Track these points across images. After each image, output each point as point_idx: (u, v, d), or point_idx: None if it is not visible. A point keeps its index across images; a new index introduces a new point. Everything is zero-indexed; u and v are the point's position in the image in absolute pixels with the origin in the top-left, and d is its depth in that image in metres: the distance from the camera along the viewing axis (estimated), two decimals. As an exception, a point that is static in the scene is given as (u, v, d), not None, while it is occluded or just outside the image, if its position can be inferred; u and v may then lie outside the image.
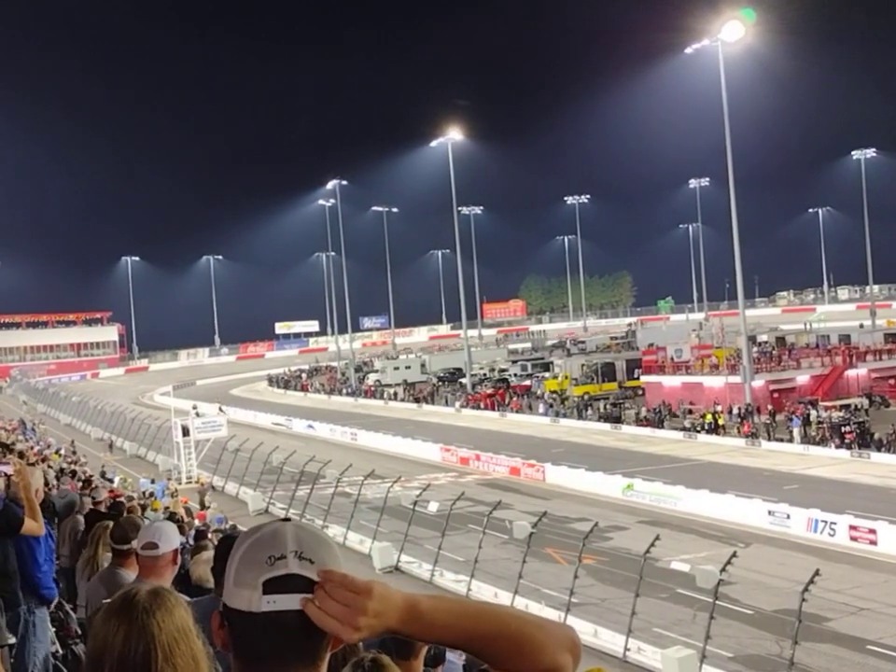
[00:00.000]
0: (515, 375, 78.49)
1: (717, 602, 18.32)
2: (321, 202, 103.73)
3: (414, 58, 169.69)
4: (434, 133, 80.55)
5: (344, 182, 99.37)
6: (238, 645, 1.55)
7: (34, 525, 5.46)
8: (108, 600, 1.95)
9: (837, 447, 40.48)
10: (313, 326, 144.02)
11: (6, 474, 7.54)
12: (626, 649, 19.00)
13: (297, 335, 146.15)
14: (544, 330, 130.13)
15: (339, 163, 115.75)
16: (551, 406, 59.80)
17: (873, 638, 18.52)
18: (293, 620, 1.50)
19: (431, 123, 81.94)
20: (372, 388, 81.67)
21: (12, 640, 4.00)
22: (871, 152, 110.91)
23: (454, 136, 78.22)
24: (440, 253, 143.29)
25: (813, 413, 44.94)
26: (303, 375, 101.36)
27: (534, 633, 1.59)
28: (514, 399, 66.05)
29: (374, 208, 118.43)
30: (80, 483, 16.39)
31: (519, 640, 1.57)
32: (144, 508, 18.26)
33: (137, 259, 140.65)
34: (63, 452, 36.71)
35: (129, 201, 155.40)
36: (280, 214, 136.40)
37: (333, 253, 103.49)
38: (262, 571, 1.50)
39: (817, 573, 17.13)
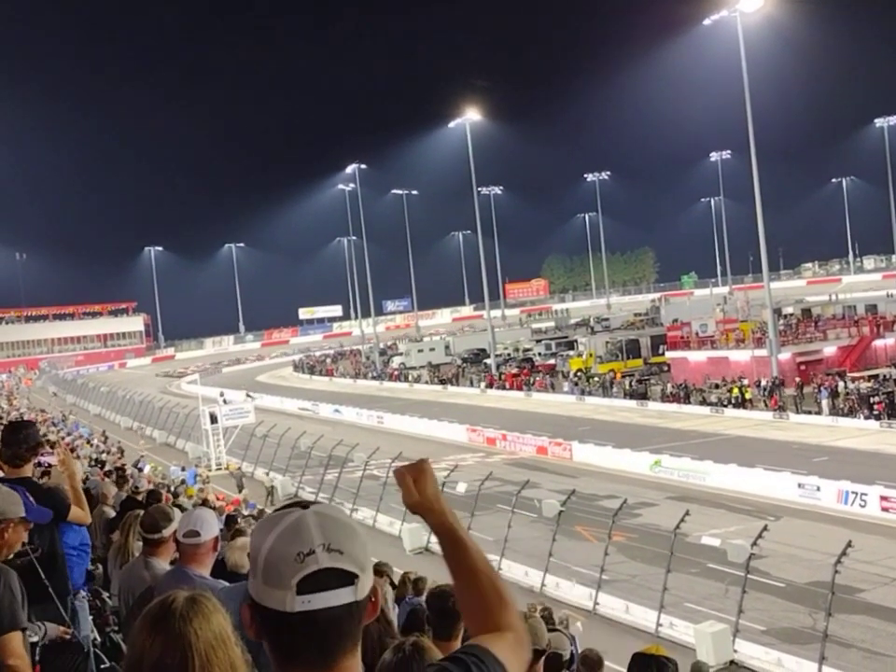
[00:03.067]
0: (540, 354, 78.38)
1: (748, 576, 18.28)
2: (341, 186, 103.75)
3: (432, 39, 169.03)
4: (452, 115, 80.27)
5: (364, 166, 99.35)
6: (273, 640, 1.56)
7: (80, 513, 5.47)
8: (144, 604, 1.96)
9: (866, 418, 40.18)
10: (336, 311, 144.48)
11: (49, 464, 7.61)
12: (658, 624, 18.99)
13: (320, 320, 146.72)
14: (567, 309, 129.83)
15: (358, 148, 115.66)
16: (576, 384, 59.70)
17: (906, 609, 18.44)
18: (330, 615, 1.51)
19: (449, 104, 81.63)
20: (397, 371, 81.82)
21: (34, 639, 4.03)
22: (894, 119, 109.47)
23: (472, 117, 77.85)
24: (460, 234, 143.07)
25: (841, 384, 44.59)
26: (328, 360, 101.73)
27: (508, 593, 1.86)
28: (539, 378, 65.98)
29: (394, 191, 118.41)
30: (112, 473, 16.56)
31: (499, 590, 1.84)
32: (176, 495, 18.46)
33: (160, 249, 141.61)
34: (95, 442, 37.14)
35: (150, 191, 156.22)
36: (300, 200, 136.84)
37: (354, 237, 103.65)
38: (294, 570, 1.49)
39: (849, 545, 17.05)
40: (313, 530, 1.51)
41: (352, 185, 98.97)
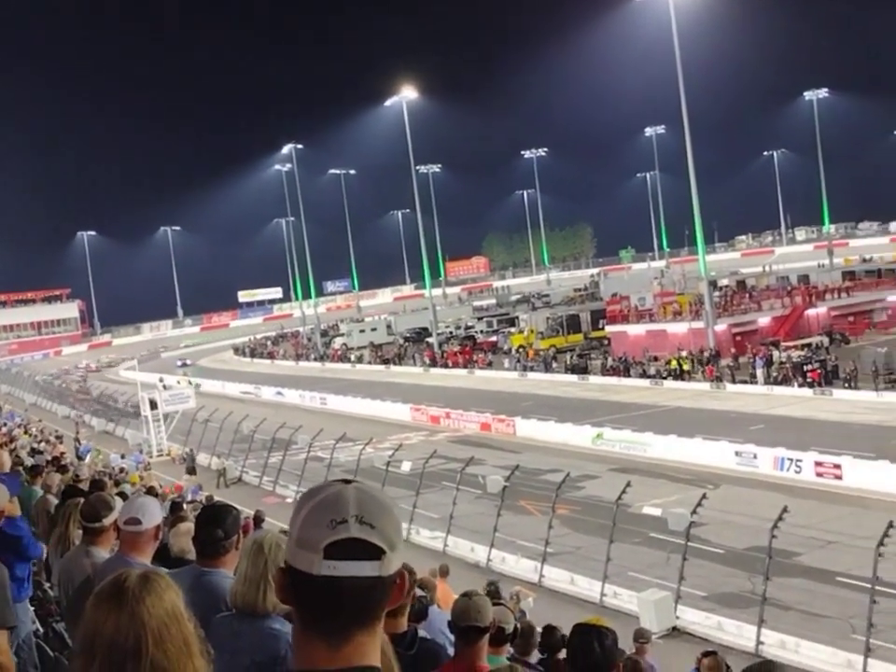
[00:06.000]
0: (481, 332, 78.75)
1: (689, 544, 18.67)
2: (278, 167, 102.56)
3: (366, 17, 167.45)
4: (388, 93, 79.78)
5: (300, 146, 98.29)
6: (298, 603, 1.60)
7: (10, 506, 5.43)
8: (84, 594, 1.96)
9: (800, 386, 41.11)
10: (276, 293, 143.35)
11: None
12: (603, 594, 19.34)
13: (261, 303, 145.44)
14: (508, 286, 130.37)
15: (294, 127, 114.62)
16: (518, 361, 60.10)
17: (841, 570, 18.95)
18: (352, 585, 1.55)
19: (385, 82, 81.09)
20: (339, 352, 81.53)
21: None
22: (823, 92, 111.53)
23: (408, 95, 77.42)
24: (400, 213, 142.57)
25: (775, 353, 45.55)
26: (269, 343, 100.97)
27: None
28: (481, 355, 66.27)
29: (332, 171, 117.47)
30: (52, 463, 16.26)
31: None
32: (118, 483, 18.22)
33: (94, 233, 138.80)
34: (33, 431, 36.44)
35: (81, 175, 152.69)
36: (236, 181, 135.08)
37: (293, 218, 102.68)
38: (324, 535, 1.55)
39: (785, 510, 17.48)
40: (350, 502, 1.57)
41: (289, 165, 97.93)
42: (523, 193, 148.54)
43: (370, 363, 74.21)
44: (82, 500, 5.89)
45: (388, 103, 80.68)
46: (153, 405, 42.66)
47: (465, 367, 63.30)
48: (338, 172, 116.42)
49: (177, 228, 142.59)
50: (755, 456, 28.88)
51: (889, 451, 27.40)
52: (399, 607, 4.31)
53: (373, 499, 1.60)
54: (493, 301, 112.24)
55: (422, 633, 4.51)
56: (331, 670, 1.56)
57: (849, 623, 16.40)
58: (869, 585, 15.54)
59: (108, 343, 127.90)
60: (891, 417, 33.88)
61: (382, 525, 1.57)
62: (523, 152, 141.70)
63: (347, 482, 1.65)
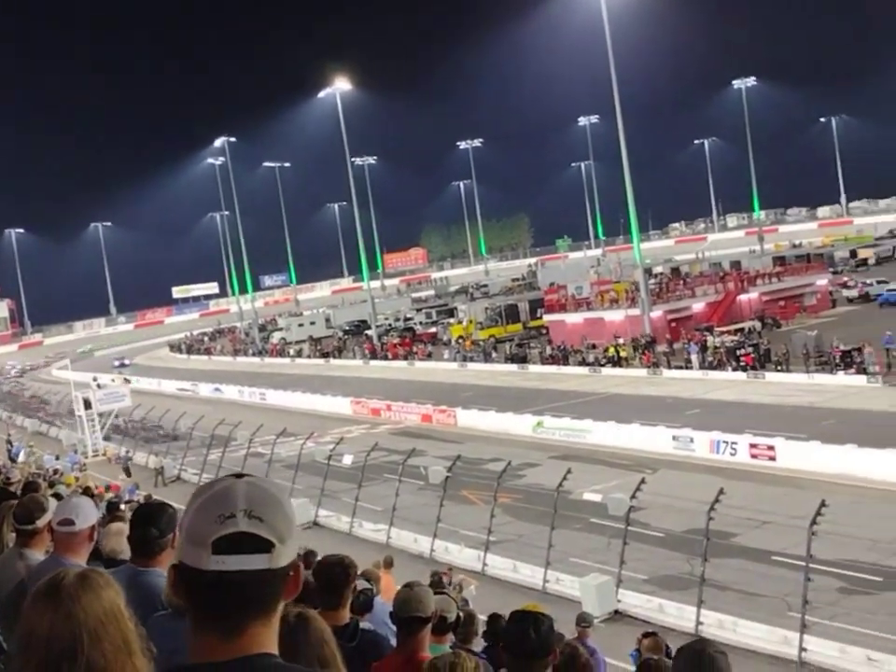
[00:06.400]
0: (421, 323, 78.78)
1: (629, 528, 18.93)
2: (210, 160, 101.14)
3: (299, 8, 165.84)
4: (322, 84, 79.17)
5: (233, 139, 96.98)
6: (189, 599, 1.60)
7: None
8: (18, 597, 1.93)
9: (734, 370, 41.91)
10: (212, 288, 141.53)
11: None
12: (545, 581, 19.53)
13: (196, 298, 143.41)
14: (446, 277, 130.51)
15: (227, 120, 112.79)
16: (457, 351, 60.24)
17: (776, 549, 19.39)
18: (242, 578, 1.56)
19: (318, 74, 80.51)
20: (278, 347, 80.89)
21: None
22: (751, 81, 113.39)
23: (341, 86, 76.93)
24: (336, 206, 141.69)
25: (709, 339, 46.36)
26: (206, 339, 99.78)
27: None
28: (421, 347, 66.31)
29: (266, 164, 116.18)
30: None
31: None
32: (52, 485, 17.84)
33: (22, 231, 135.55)
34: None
35: (8, 172, 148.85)
36: (169, 175, 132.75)
37: (227, 212, 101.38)
38: (212, 530, 1.55)
39: (721, 492, 17.82)
40: (239, 496, 1.58)
41: (222, 158, 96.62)
42: (459, 184, 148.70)
43: (309, 357, 73.78)
44: (15, 503, 5.77)
45: (322, 94, 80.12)
46: (87, 405, 41.87)
47: (405, 359, 63.28)
48: (272, 165, 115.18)
49: (108, 224, 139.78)
50: (692, 440, 29.39)
51: (820, 432, 28.10)
52: (340, 599, 4.31)
53: (264, 493, 1.61)
54: (432, 292, 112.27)
55: (364, 625, 4.51)
56: (225, 661, 1.57)
57: (785, 601, 16.79)
58: (803, 563, 15.92)
59: (39, 343, 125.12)
60: (822, 399, 34.73)
61: (271, 518, 1.58)
62: (458, 143, 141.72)
63: (240, 476, 1.66)
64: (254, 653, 1.59)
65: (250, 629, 1.60)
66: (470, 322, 67.92)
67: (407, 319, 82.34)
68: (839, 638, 15.35)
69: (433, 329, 74.17)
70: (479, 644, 7.31)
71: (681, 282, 62.93)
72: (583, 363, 49.63)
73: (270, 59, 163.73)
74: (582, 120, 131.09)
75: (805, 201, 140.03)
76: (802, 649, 15.31)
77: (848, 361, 37.81)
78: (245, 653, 1.59)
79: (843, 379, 37.18)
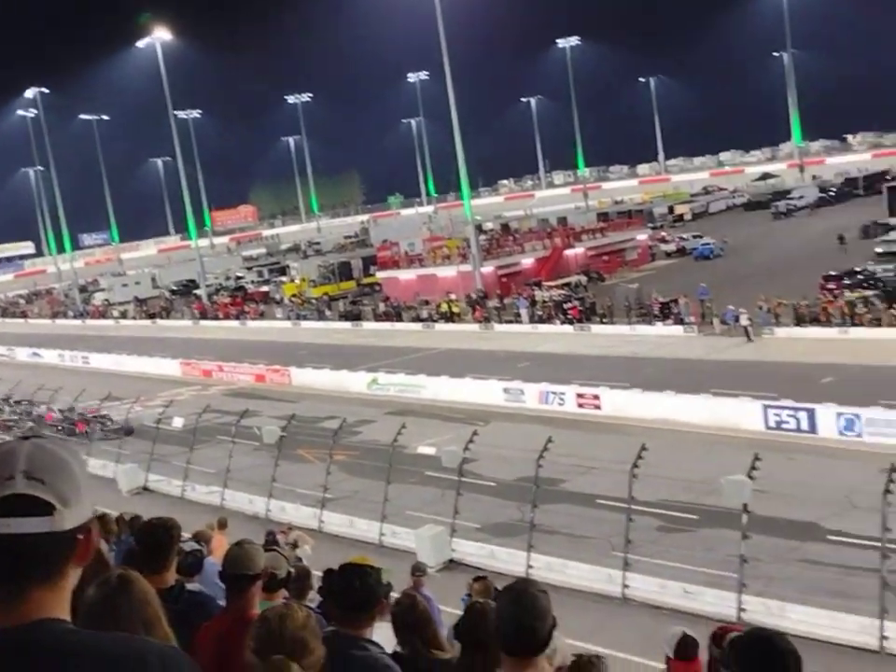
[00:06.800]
0: (252, 282, 77.36)
1: (462, 479, 19.41)
2: (21, 112, 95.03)
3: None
4: (140, 34, 75.49)
5: (46, 90, 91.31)
6: None
7: None
8: None
9: (562, 323, 43.29)
10: (27, 247, 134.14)
11: None
12: (382, 534, 19.81)
13: (10, 259, 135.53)
14: (278, 234, 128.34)
15: (38, 70, 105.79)
16: (291, 310, 59.55)
17: (601, 493, 20.32)
18: (22, 541, 1.51)
19: (136, 23, 76.66)
20: (101, 308, 77.59)
21: None
22: (574, 40, 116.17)
23: (162, 36, 73.62)
24: (160, 161, 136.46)
25: (538, 293, 47.65)
26: (22, 301, 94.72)
27: None
28: (253, 306, 65.13)
29: (82, 116, 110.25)
30: None
31: None
32: None
33: None
34: None
35: None
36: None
37: (42, 168, 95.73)
38: None
39: (549, 440, 18.49)
40: (20, 458, 1.54)
41: (33, 111, 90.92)
42: (289, 140, 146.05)
43: (135, 318, 71.17)
44: None
45: (141, 44, 76.38)
46: None
47: (237, 318, 62.00)
48: (89, 118, 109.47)
49: None
50: (522, 392, 30.28)
51: (641, 380, 29.51)
52: (164, 562, 4.23)
53: (49, 455, 1.58)
54: (263, 250, 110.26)
55: (192, 586, 4.44)
56: (7, 628, 1.53)
57: (609, 542, 17.65)
58: (626, 505, 16.78)
59: None
60: (643, 349, 36.43)
61: (54, 480, 1.55)
62: (286, 97, 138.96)
63: (26, 438, 1.63)
64: (37, 619, 1.55)
65: (34, 594, 1.56)
66: (303, 280, 67.17)
67: (238, 278, 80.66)
68: (659, 574, 16.30)
69: (265, 288, 72.90)
70: (315, 600, 7.33)
71: (511, 238, 64.21)
72: (417, 319, 50.06)
73: (86, 4, 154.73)
74: (412, 77, 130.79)
75: (627, 158, 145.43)
76: (625, 585, 16.19)
77: (667, 313, 39.76)
78: (29, 619, 1.54)
79: (662, 329, 39.10)
